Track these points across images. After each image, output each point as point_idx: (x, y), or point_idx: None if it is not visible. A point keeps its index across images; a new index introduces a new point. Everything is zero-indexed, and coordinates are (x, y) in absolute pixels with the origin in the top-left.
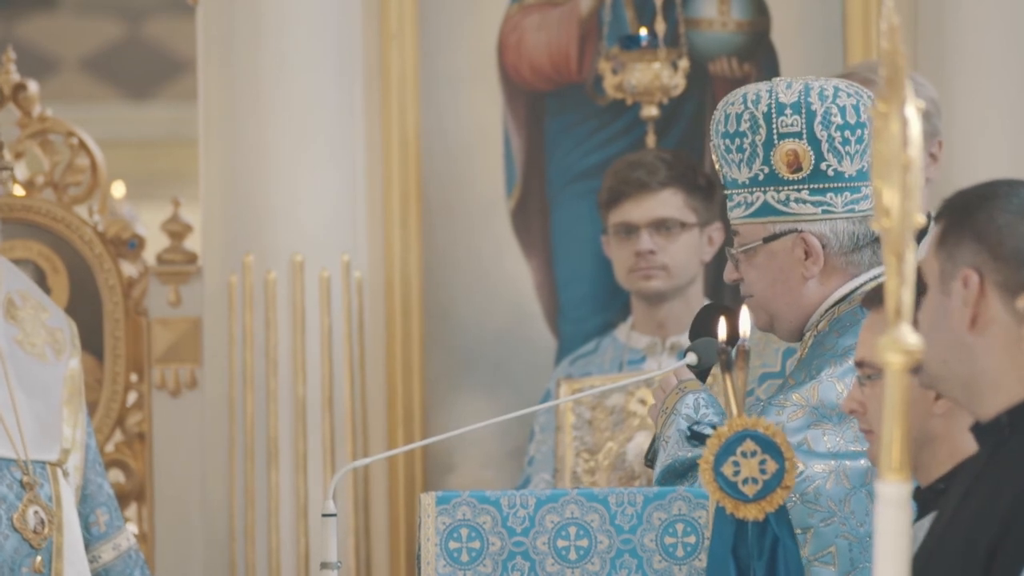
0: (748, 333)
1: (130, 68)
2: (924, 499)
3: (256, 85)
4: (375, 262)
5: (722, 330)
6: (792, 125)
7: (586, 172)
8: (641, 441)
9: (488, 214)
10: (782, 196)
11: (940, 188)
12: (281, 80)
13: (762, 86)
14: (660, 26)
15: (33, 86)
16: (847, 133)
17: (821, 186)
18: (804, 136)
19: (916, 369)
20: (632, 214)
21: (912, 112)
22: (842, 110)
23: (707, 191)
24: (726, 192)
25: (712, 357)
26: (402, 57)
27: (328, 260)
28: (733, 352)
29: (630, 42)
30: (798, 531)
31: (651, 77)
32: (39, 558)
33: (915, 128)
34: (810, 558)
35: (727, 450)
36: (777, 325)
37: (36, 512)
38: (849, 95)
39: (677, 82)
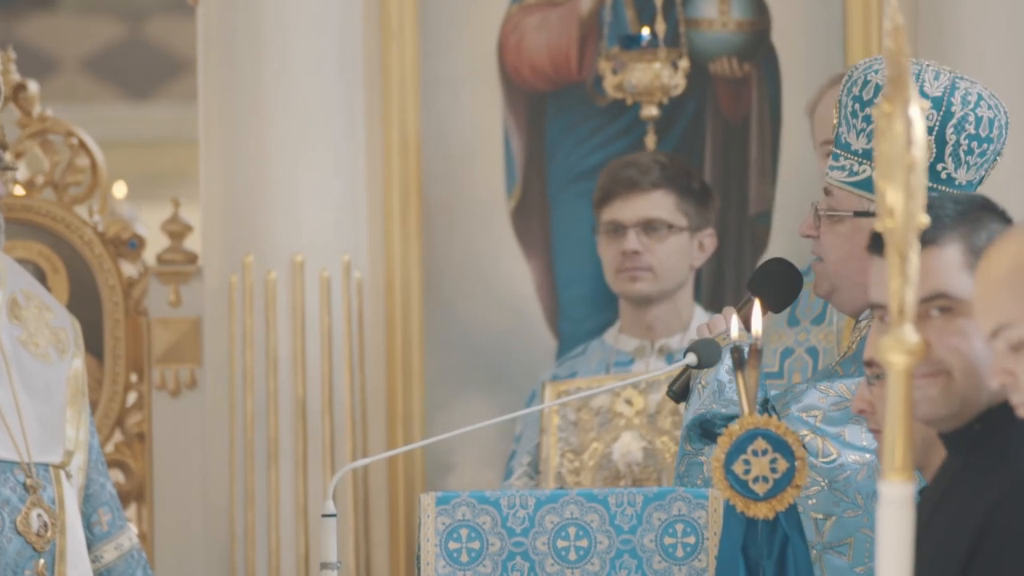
0: (759, 331)
1: (130, 68)
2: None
3: (256, 85)
4: (375, 262)
5: (734, 326)
6: (927, 119)
7: (586, 172)
8: (628, 441)
9: (488, 214)
10: None
11: None
12: (281, 80)
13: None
14: (660, 26)
15: (33, 86)
16: (974, 144)
17: (929, 184)
18: (934, 133)
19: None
20: (621, 213)
21: (916, 112)
22: (978, 120)
23: (701, 196)
24: (833, 150)
25: (712, 357)
26: (402, 57)
27: (328, 260)
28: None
29: (630, 42)
30: (820, 516)
31: (651, 77)
32: (42, 561)
33: (919, 128)
34: (825, 545)
35: (738, 448)
36: (836, 297)
37: (39, 515)
38: (990, 107)
39: (677, 82)
